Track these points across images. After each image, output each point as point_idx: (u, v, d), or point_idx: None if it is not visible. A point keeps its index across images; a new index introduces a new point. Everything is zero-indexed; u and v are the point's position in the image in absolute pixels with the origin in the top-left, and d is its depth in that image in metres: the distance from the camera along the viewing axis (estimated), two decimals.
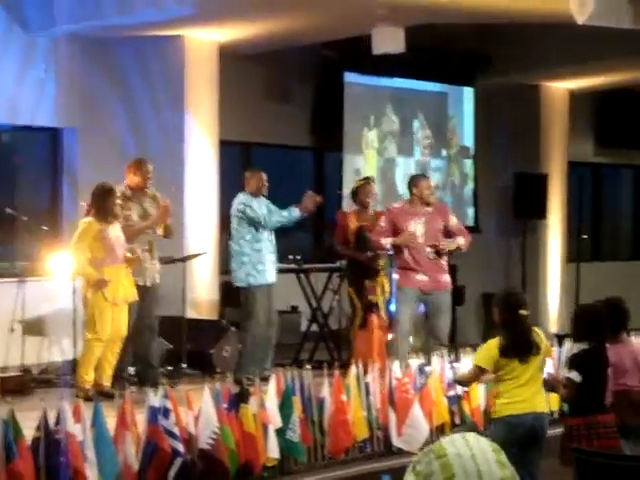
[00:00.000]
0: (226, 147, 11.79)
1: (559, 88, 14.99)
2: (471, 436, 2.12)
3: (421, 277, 9.21)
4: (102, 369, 8.69)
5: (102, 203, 8.67)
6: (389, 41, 10.63)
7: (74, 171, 11.29)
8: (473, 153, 14.67)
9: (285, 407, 7.11)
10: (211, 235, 11.20)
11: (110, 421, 6.33)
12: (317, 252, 13.03)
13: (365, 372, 7.82)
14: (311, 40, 11.71)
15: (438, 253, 9.21)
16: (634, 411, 6.40)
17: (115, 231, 8.76)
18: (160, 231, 9.32)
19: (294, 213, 9.51)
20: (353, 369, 7.77)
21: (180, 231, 10.33)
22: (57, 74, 11.07)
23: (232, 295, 10.34)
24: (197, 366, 9.87)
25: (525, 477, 5.86)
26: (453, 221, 9.40)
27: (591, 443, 5.92)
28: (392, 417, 7.76)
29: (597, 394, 6.06)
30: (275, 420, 7.01)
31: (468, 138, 14.61)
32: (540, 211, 14.61)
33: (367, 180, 10.52)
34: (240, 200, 9.59)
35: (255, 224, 9.49)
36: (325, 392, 7.45)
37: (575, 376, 6.03)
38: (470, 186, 14.68)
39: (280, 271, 9.90)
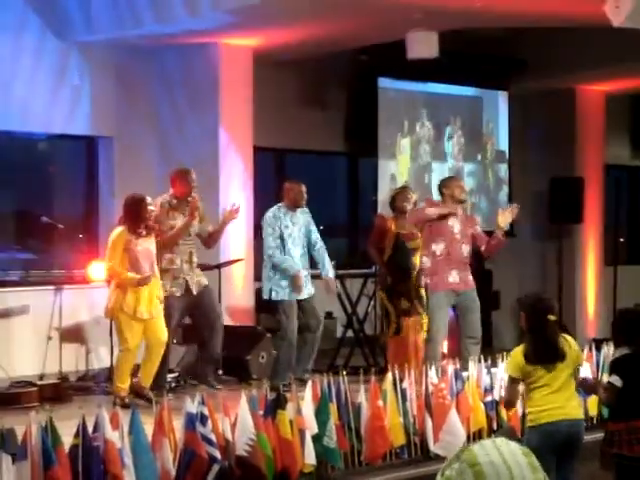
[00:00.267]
0: (260, 153, 11.79)
1: (594, 91, 14.87)
2: (501, 441, 2.11)
3: (453, 278, 9.34)
4: (144, 372, 8.70)
5: (132, 213, 8.64)
6: (423, 46, 10.61)
7: (110, 180, 11.34)
8: (508, 157, 14.61)
9: (321, 413, 7.08)
10: (246, 241, 11.20)
11: (147, 428, 6.33)
12: (352, 258, 13.01)
13: (401, 378, 7.79)
14: (345, 46, 11.70)
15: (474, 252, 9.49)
16: None
17: (145, 244, 8.66)
18: (208, 229, 9.30)
19: (292, 272, 9.37)
20: (389, 375, 7.74)
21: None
22: (92, 82, 11.12)
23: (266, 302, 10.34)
24: (233, 372, 9.88)
25: None
26: (479, 230, 9.69)
27: (632, 448, 5.87)
28: (429, 423, 7.72)
29: (638, 399, 6.00)
30: (312, 426, 6.99)
31: (503, 142, 14.55)
32: (576, 215, 14.49)
33: (405, 187, 10.57)
34: (269, 214, 9.53)
35: (281, 239, 9.46)
36: (361, 398, 7.42)
37: (616, 381, 5.97)
38: (505, 190, 14.60)
39: (314, 277, 9.89)
